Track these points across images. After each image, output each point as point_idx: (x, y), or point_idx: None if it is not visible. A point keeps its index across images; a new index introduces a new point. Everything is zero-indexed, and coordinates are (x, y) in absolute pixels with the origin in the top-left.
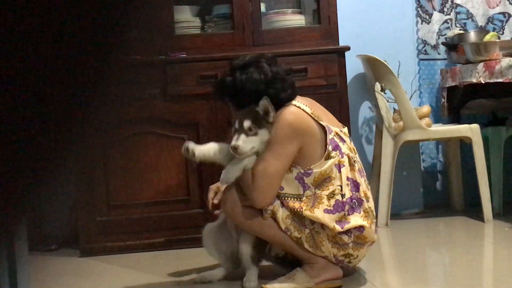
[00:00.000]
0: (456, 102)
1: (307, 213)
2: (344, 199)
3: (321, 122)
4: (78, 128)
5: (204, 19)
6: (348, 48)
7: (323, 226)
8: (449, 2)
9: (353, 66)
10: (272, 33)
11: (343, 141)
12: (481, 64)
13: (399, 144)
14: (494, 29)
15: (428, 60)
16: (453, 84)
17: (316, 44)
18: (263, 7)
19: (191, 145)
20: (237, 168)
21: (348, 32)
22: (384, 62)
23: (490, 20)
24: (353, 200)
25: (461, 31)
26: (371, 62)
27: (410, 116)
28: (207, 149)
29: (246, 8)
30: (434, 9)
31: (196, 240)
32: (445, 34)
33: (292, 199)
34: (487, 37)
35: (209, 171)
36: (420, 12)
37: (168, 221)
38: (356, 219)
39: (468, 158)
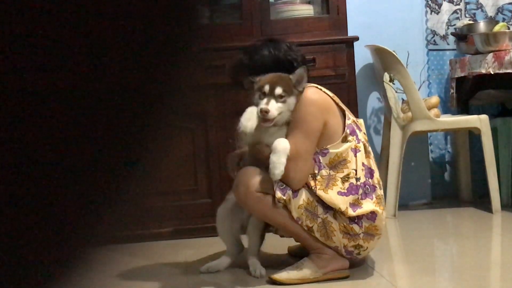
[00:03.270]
0: (465, 93)
1: (320, 193)
2: (359, 183)
3: (340, 105)
4: (152, 124)
5: (213, 8)
6: (356, 38)
7: (335, 216)
8: None
9: (362, 57)
10: (280, 23)
11: (359, 129)
12: (491, 54)
13: (407, 134)
14: (503, 20)
15: (437, 50)
16: (462, 74)
17: (324, 34)
18: None
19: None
20: (283, 157)
21: (357, 22)
22: (393, 53)
23: (500, 10)
24: (367, 186)
25: (471, 22)
26: (380, 53)
27: (419, 106)
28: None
29: None
30: None
31: (204, 230)
32: (454, 25)
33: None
34: (497, 28)
35: (217, 161)
36: (430, 2)
37: (176, 211)
38: (368, 205)
39: (476, 149)
